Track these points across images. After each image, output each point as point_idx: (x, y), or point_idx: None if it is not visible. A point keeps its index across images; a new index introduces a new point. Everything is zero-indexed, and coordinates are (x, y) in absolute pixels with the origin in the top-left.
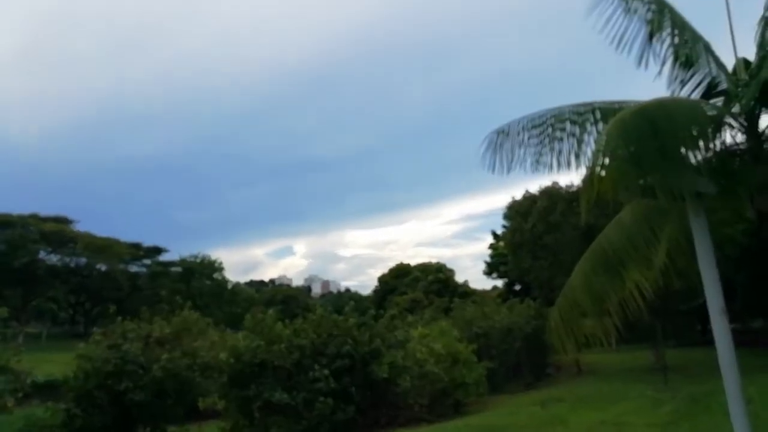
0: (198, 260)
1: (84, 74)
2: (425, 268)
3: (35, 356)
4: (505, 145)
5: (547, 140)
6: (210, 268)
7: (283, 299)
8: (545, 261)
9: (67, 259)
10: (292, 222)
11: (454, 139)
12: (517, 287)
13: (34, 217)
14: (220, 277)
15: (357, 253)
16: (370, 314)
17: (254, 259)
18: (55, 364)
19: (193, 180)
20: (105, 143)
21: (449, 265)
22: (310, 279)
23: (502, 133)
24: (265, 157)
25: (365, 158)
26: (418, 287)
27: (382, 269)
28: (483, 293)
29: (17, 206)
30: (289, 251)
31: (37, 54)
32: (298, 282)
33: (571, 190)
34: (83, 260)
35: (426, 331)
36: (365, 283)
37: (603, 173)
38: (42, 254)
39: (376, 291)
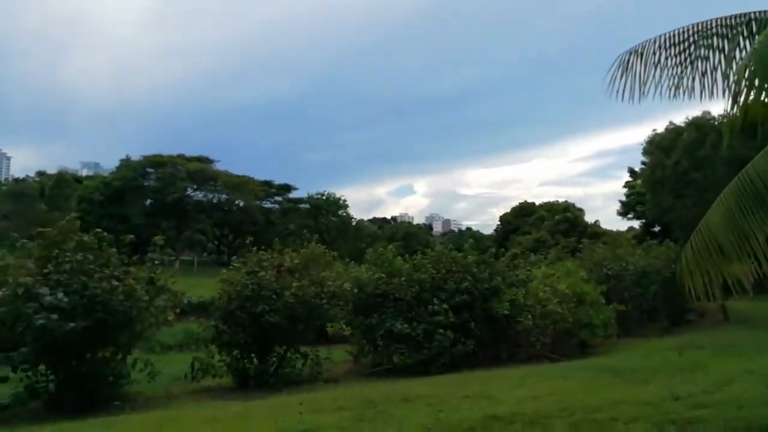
0: (324, 198)
1: (208, 27)
2: (551, 208)
3: (189, 281)
4: (637, 67)
5: (688, 60)
6: (336, 205)
7: (403, 236)
8: (689, 200)
9: (210, 196)
10: (413, 161)
11: (582, 73)
12: (656, 229)
13: (181, 157)
14: (345, 214)
15: (479, 192)
16: (491, 252)
17: (377, 198)
18: (204, 287)
19: (319, 122)
20: (238, 89)
21: (578, 205)
22: (431, 217)
23: (635, 53)
24: (385, 96)
25: (488, 95)
26: (543, 227)
27: (505, 208)
28: (616, 234)
29: (166, 148)
30: (409, 190)
31: (169, 13)
32: (419, 220)
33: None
34: (224, 196)
35: (550, 271)
36: (487, 222)
37: (754, 95)
38: (189, 191)
39: (497, 230)
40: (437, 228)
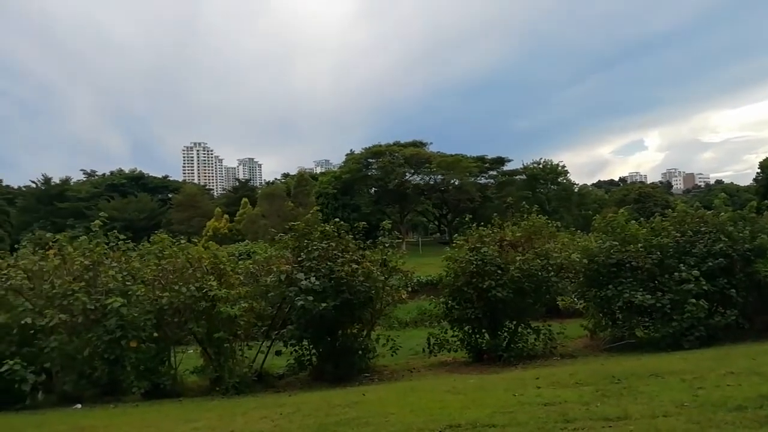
0: (541, 166)
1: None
2: None
3: (415, 260)
4: None
5: None
6: (554, 172)
7: (636, 198)
8: None
9: (427, 178)
10: (640, 112)
11: None
12: None
13: (396, 144)
14: (565, 181)
15: (728, 137)
16: (751, 206)
17: (600, 159)
18: (430, 266)
19: (525, 86)
20: (440, 66)
21: None
22: (669, 174)
23: None
24: (595, 46)
25: (723, 21)
26: None
27: (765, 153)
28: None
29: (384, 136)
30: (639, 146)
31: (374, 5)
32: (653, 178)
33: None
34: (439, 177)
35: None
36: (742, 172)
37: None
38: (407, 176)
39: (758, 179)
40: (677, 185)
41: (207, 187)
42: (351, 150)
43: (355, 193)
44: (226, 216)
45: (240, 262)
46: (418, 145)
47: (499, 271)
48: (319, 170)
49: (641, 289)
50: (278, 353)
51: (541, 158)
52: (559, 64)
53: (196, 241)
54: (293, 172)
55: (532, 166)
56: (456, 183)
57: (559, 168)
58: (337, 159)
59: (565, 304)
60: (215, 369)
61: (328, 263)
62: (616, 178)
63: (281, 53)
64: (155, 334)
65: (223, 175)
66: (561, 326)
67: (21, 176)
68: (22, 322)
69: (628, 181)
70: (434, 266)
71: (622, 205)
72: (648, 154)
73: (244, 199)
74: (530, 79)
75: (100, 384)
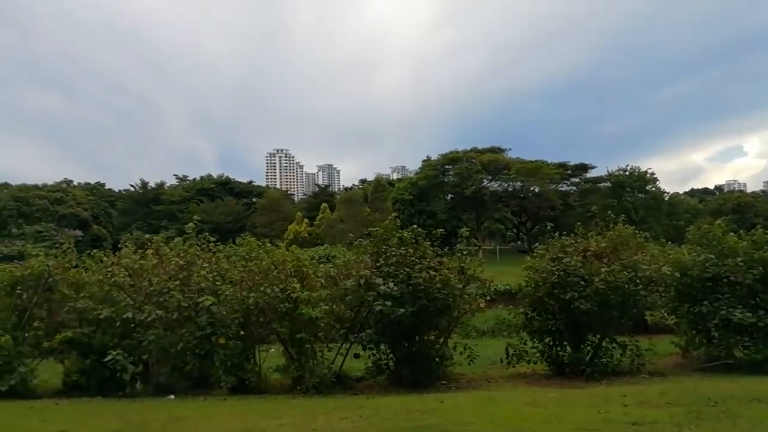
0: (627, 173)
1: (487, 18)
2: None
3: (493, 269)
4: None
5: None
6: (641, 180)
7: (734, 208)
8: None
9: (505, 185)
10: (738, 116)
11: None
12: None
13: (474, 150)
14: (654, 189)
15: None
16: None
17: (693, 166)
18: (509, 275)
19: (611, 90)
20: (520, 71)
21: None
22: None
23: None
24: (687, 46)
25: None
26: None
27: None
28: None
29: (461, 143)
30: (737, 152)
31: (450, 16)
32: (753, 187)
33: None
34: (518, 184)
35: None
36: None
37: None
38: (485, 182)
39: None
40: None
41: (288, 192)
42: (427, 156)
43: (431, 199)
44: (306, 220)
45: (320, 266)
46: (496, 151)
47: (583, 283)
48: (395, 176)
49: (740, 306)
50: (356, 356)
51: (627, 165)
52: (647, 65)
53: (279, 244)
54: (370, 178)
55: (617, 173)
56: (536, 190)
57: (648, 175)
58: (413, 165)
59: (655, 319)
60: (297, 368)
61: (406, 269)
62: (711, 187)
63: (362, 62)
64: (241, 332)
65: (304, 180)
66: (649, 342)
67: (122, 181)
68: (124, 316)
69: (725, 190)
70: (512, 275)
71: (718, 215)
72: (747, 160)
73: (324, 204)
74: (616, 82)
75: (191, 377)
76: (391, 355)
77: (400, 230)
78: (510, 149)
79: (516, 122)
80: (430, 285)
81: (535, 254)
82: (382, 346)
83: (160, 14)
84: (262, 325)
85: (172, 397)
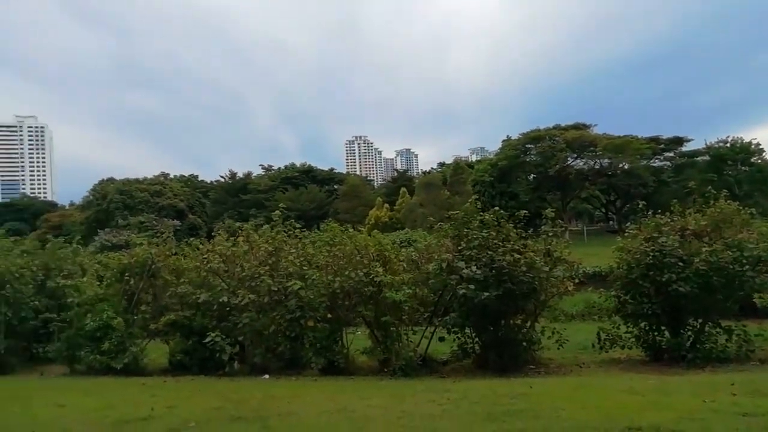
0: (729, 145)
1: None
2: None
3: (580, 250)
4: None
5: None
6: (745, 152)
7: None
8: None
9: (592, 162)
10: None
11: None
12: None
13: (557, 128)
14: (760, 161)
15: None
16: None
17: None
18: (597, 257)
19: (711, 56)
20: (606, 41)
21: None
22: None
23: None
24: None
25: None
26: None
27: None
28: None
29: (543, 120)
30: None
31: None
32: None
33: None
34: (606, 161)
35: None
36: None
37: None
38: (569, 160)
39: None
40: None
41: (368, 177)
42: (507, 136)
43: (513, 180)
44: (386, 205)
45: (402, 250)
46: (580, 127)
47: (681, 264)
48: (474, 158)
49: None
50: (441, 339)
51: (728, 136)
52: (745, 29)
53: (360, 229)
54: (449, 161)
55: (717, 145)
56: (625, 167)
57: (752, 146)
58: (492, 146)
59: (765, 302)
60: (383, 351)
61: (489, 252)
62: None
63: (437, 44)
64: (329, 315)
65: (382, 165)
66: (759, 327)
67: (213, 172)
68: (220, 300)
69: None
70: (602, 256)
71: None
72: None
73: (403, 189)
74: (713, 48)
75: (284, 358)
76: (476, 339)
77: (481, 213)
78: (595, 125)
79: (601, 97)
80: (514, 268)
81: (626, 234)
82: (467, 330)
83: (243, 10)
84: (348, 308)
85: (267, 376)
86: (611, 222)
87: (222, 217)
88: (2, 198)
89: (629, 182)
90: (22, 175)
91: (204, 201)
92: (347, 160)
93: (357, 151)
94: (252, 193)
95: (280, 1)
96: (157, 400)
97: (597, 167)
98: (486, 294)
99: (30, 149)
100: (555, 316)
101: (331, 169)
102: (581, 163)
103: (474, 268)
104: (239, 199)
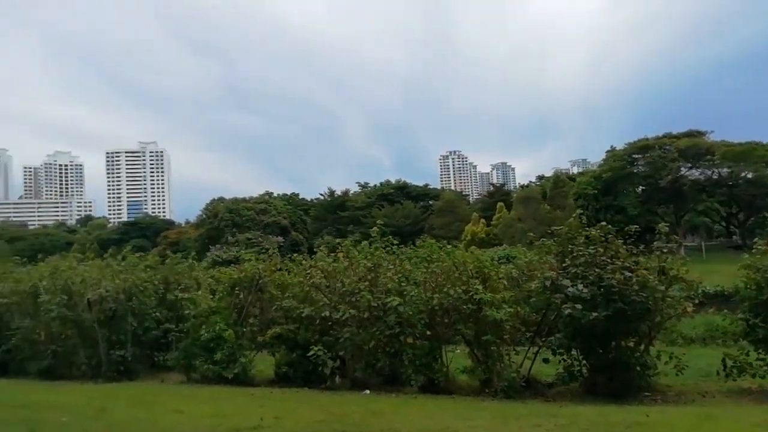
0: None
1: None
2: None
3: (698, 268)
4: None
5: None
6: None
7: None
8: None
9: (709, 172)
10: None
11: None
12: None
13: (668, 136)
14: None
15: None
16: None
17: None
18: (719, 275)
19: None
20: (717, 40)
21: None
22: None
23: None
24: None
25: None
26: None
27: None
28: None
29: (651, 129)
30: None
31: None
32: None
33: None
34: (725, 170)
35: None
36: None
37: None
38: (683, 170)
39: None
40: None
41: (463, 192)
42: (612, 146)
43: (619, 193)
44: (482, 220)
45: (501, 267)
46: (694, 134)
47: None
48: (575, 170)
49: None
50: (545, 361)
51: None
52: None
53: (458, 245)
54: (548, 173)
55: None
56: (748, 176)
57: None
58: (595, 157)
59: None
60: (484, 371)
61: (596, 270)
62: None
63: (531, 52)
64: (428, 333)
65: (477, 180)
66: None
67: (312, 190)
68: (322, 314)
69: None
70: (724, 275)
71: None
72: None
73: (500, 204)
74: None
75: (383, 374)
76: (584, 362)
77: (586, 228)
78: (712, 131)
79: (717, 101)
80: (625, 287)
81: (753, 250)
82: (574, 352)
83: (334, 31)
84: (447, 325)
85: (368, 392)
86: (734, 237)
87: (321, 234)
88: (128, 217)
89: (754, 193)
90: (145, 196)
91: (305, 218)
92: (441, 175)
93: (451, 166)
94: (350, 210)
95: (367, 19)
96: (265, 411)
97: (715, 177)
98: (594, 314)
99: (151, 172)
100: (672, 339)
101: (426, 185)
102: (697, 173)
103: (580, 287)
104: (337, 215)
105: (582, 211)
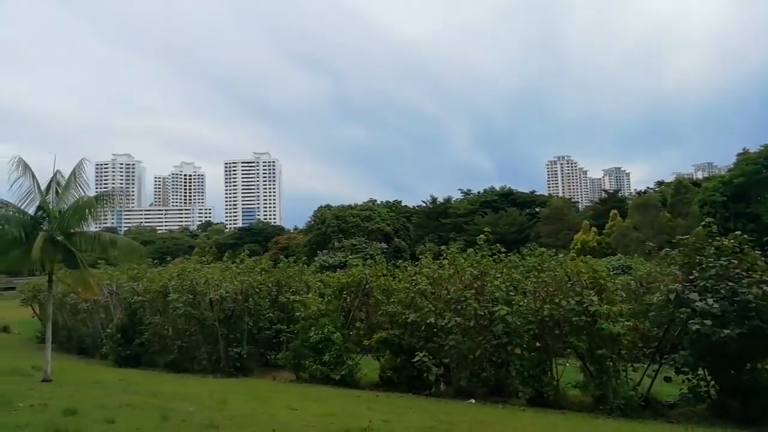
0: None
1: None
2: None
3: None
4: None
5: None
6: None
7: None
8: None
9: None
10: None
11: None
12: None
13: None
14: None
15: None
16: None
17: None
18: None
19: None
20: None
21: None
22: None
23: None
24: None
25: None
26: None
27: None
28: None
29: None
30: None
31: None
32: None
33: None
34: None
35: None
36: None
37: None
38: None
39: None
40: None
41: (572, 199)
42: (744, 149)
43: (753, 199)
44: (593, 228)
45: (617, 278)
46: None
47: None
48: (700, 175)
49: None
50: (667, 380)
51: None
52: None
53: (568, 255)
54: (667, 179)
55: None
56: None
57: None
58: (722, 161)
59: None
60: (597, 387)
61: (729, 283)
62: None
63: (648, 51)
64: (536, 344)
65: (588, 186)
66: None
67: (415, 197)
68: (428, 321)
69: None
70: None
71: None
72: None
73: (613, 211)
74: None
75: (489, 384)
76: (712, 382)
77: (716, 237)
78: None
79: None
80: (763, 303)
81: None
82: (700, 372)
83: (437, 40)
84: (558, 337)
85: (473, 401)
86: None
87: (423, 240)
88: (242, 223)
89: None
90: (257, 203)
91: (407, 225)
92: (548, 181)
93: (559, 172)
94: (452, 217)
95: (471, 26)
96: (373, 414)
97: None
98: (726, 331)
99: (264, 181)
100: None
101: (532, 192)
102: None
103: (710, 301)
104: (439, 222)
105: (711, 220)
